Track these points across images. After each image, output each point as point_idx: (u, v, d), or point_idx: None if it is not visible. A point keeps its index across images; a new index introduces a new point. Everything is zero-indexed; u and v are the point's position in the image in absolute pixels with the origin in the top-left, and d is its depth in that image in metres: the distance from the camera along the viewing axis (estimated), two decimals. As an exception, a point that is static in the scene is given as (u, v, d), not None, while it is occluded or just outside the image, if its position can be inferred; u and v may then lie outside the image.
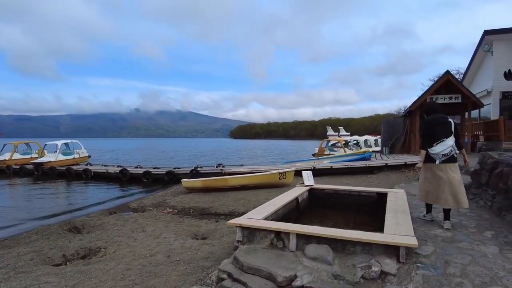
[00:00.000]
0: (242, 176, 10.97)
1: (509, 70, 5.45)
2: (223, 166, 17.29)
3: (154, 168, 18.57)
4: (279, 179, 10.85)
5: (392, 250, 3.43)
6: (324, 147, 24.19)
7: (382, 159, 14.94)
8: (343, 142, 23.96)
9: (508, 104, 20.08)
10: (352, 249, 3.66)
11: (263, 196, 9.64)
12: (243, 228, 4.26)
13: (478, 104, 13.83)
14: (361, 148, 25.13)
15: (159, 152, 54.25)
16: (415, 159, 12.60)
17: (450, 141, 4.42)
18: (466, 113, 14.68)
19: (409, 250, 3.49)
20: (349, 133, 31.00)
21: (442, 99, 14.11)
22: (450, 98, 14.04)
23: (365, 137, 27.96)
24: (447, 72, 13.81)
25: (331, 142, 24.83)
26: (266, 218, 4.75)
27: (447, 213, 4.57)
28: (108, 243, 5.99)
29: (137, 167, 18.99)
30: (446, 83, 14.05)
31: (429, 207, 5.05)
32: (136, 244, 5.83)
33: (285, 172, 10.86)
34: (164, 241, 5.89)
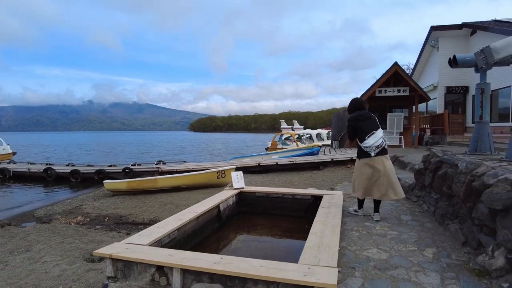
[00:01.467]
0: (174, 176, 9.72)
1: (454, 56, 4.77)
2: (164, 163, 15.86)
3: (88, 165, 16.66)
4: (218, 178, 9.75)
5: (303, 292, 2.47)
6: (277, 141, 23.47)
7: (330, 153, 14.39)
8: (296, 136, 23.41)
9: (452, 98, 20.59)
10: (252, 291, 2.65)
11: (195, 198, 8.51)
12: (115, 260, 3.09)
13: (425, 98, 13.67)
14: (313, 141, 24.78)
15: (108, 147, 50.88)
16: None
17: (380, 132, 4.50)
18: (414, 107, 14.50)
19: None
20: (302, 126, 30.65)
21: (390, 91, 13.78)
22: (398, 90, 13.74)
23: (318, 130, 27.70)
24: (395, 64, 13.47)
25: (284, 136, 24.19)
26: (160, 241, 3.62)
27: (377, 204, 4.64)
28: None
29: (68, 165, 16.94)
30: (394, 75, 13.71)
31: (361, 202, 4.90)
32: (2, 274, 4.43)
33: (223, 170, 9.77)
34: (40, 267, 4.55)
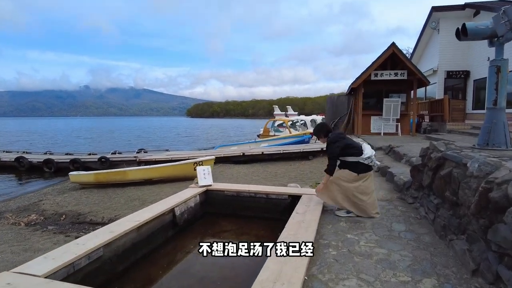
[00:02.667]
0: (145, 168, 8.80)
1: (463, 24, 3.77)
2: (145, 152, 14.94)
3: (67, 154, 15.71)
4: (195, 170, 8.81)
5: None
6: (269, 128, 22.47)
7: (323, 142, 13.50)
8: (289, 123, 22.41)
9: (452, 83, 19.59)
10: None
11: (167, 193, 7.61)
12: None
13: (424, 82, 12.68)
14: (307, 128, 23.82)
15: (100, 133, 49.79)
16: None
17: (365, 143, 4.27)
18: (412, 92, 13.53)
19: None
20: (296, 112, 29.57)
21: (387, 75, 12.75)
22: (396, 74, 12.72)
23: (312, 116, 26.63)
24: (393, 44, 12.40)
25: (277, 123, 23.15)
26: (69, 267, 2.72)
27: None
28: None
29: (46, 153, 15.97)
30: (391, 57, 12.67)
31: None
32: None
33: (201, 161, 8.85)
34: None
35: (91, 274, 3.00)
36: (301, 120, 25.54)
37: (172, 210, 4.37)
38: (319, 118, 25.85)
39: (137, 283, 3.35)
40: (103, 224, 6.26)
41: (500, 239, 2.20)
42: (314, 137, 15.51)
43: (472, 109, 17.45)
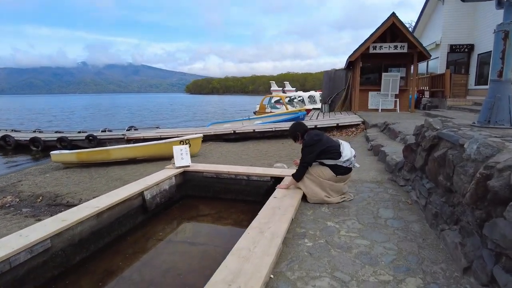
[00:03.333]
0: (129, 147, 8.41)
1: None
2: (135, 129, 14.54)
3: (57, 132, 15.31)
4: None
5: None
6: (266, 104, 21.93)
7: (317, 118, 13.02)
8: (286, 99, 21.84)
9: (455, 58, 18.84)
10: None
11: (151, 172, 7.27)
12: None
13: (425, 55, 12.06)
14: (305, 105, 23.27)
15: (96, 111, 49.21)
16: (350, 119, 10.76)
17: (345, 142, 3.90)
18: (412, 66, 12.94)
19: None
20: (294, 88, 28.80)
21: (386, 47, 12.12)
22: (395, 46, 12.08)
23: (310, 92, 26.00)
24: (393, 14, 11.68)
25: (274, 99, 22.58)
26: (5, 262, 2.38)
27: None
28: None
29: (35, 131, 15.58)
30: (391, 29, 11.99)
31: None
32: None
33: (188, 139, 8.46)
34: None
35: (37, 269, 2.68)
36: (299, 97, 24.94)
37: (141, 194, 4.01)
38: (317, 95, 25.24)
39: (94, 276, 3.03)
40: (80, 206, 5.99)
41: (498, 237, 1.82)
42: (310, 114, 15.02)
43: (475, 85, 16.84)
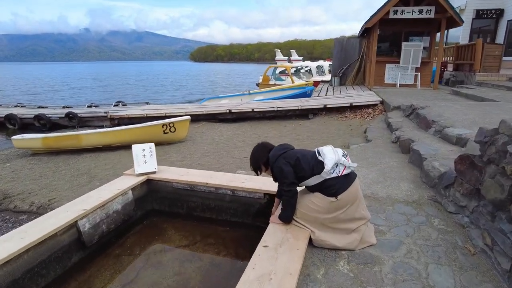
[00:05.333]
0: (101, 132, 7.10)
1: None
2: (123, 104, 13.19)
3: (40, 107, 14.02)
4: (164, 133, 7.15)
5: None
6: (270, 76, 20.25)
7: (326, 95, 11.52)
8: (292, 69, 20.10)
9: (480, 25, 16.83)
10: None
11: (126, 165, 6.07)
12: None
13: (455, 21, 10.26)
14: (312, 76, 21.56)
15: (94, 80, 47.62)
16: (366, 97, 9.26)
17: (327, 146, 2.52)
18: (439, 34, 11.19)
19: None
20: (301, 57, 26.66)
21: (409, 12, 10.33)
22: (421, 11, 10.29)
23: (318, 62, 24.09)
24: (420, -29, 9.82)
25: (278, 69, 20.81)
26: None
27: None
28: None
29: (17, 106, 14.32)
30: (416, -11, 10.15)
31: None
32: None
33: (172, 123, 7.12)
34: None
35: None
36: (306, 67, 23.17)
37: (74, 225, 2.76)
38: (326, 65, 23.41)
39: None
40: (30, 213, 4.83)
41: None
42: (318, 88, 13.49)
43: (503, 55, 15.02)
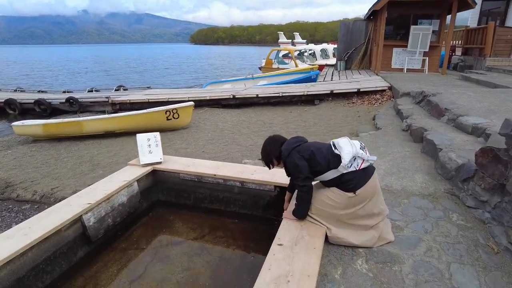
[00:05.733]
0: (104, 119, 6.95)
1: None
2: (125, 89, 12.98)
3: (40, 91, 13.83)
4: (168, 119, 7.00)
5: None
6: (273, 59, 19.85)
7: (332, 79, 11.28)
8: (296, 53, 19.68)
9: (490, 7, 16.32)
10: None
11: (129, 153, 5.96)
12: None
13: (468, 3, 9.90)
14: (316, 59, 21.17)
15: (98, 64, 47.09)
16: (374, 82, 9.04)
17: (343, 138, 2.35)
18: (449, 17, 10.84)
19: None
20: (305, 40, 26.06)
21: (419, -7, 9.97)
22: (430, -8, 9.93)
23: (322, 45, 23.62)
24: (432, -50, 9.41)
25: (282, 53, 20.38)
26: None
27: None
28: None
29: (16, 90, 14.12)
30: (427, -31, 9.77)
31: None
32: None
33: (176, 109, 6.96)
34: None
35: None
36: (310, 50, 22.71)
37: (79, 219, 2.67)
38: (330, 48, 22.97)
39: None
40: (33, 202, 4.76)
41: None
42: (323, 72, 13.20)
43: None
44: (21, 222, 4.34)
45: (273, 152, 2.42)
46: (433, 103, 5.39)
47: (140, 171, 3.40)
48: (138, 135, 3.53)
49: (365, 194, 2.26)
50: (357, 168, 2.23)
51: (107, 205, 2.91)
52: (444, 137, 4.00)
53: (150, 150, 3.53)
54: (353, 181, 2.23)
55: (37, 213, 4.52)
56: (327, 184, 2.35)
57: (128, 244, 3.07)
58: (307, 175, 2.27)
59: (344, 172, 2.23)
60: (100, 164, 5.66)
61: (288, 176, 2.50)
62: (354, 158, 2.23)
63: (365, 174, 2.28)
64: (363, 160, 2.26)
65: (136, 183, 3.28)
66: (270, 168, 2.54)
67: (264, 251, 2.96)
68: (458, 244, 2.37)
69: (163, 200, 3.68)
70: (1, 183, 5.25)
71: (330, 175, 2.27)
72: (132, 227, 3.27)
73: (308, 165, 2.26)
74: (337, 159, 2.24)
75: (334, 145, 2.31)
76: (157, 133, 3.60)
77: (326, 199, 2.31)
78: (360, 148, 2.28)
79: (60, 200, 4.76)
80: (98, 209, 2.81)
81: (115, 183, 3.10)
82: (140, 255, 2.93)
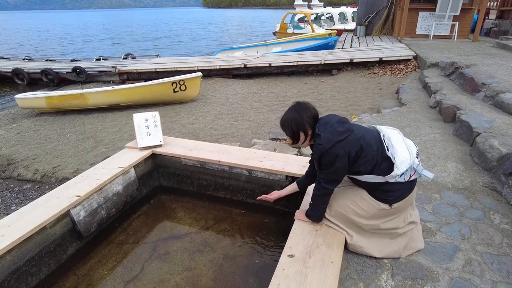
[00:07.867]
0: (108, 91, 6.58)
1: None
2: (133, 57, 12.52)
3: (47, 60, 13.50)
4: (174, 91, 6.61)
5: None
6: (288, 23, 18.82)
7: (351, 47, 10.48)
8: (312, 16, 18.53)
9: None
10: None
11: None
12: None
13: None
14: (334, 24, 19.97)
15: (108, 30, 46.24)
16: (397, 51, 8.30)
17: (395, 131, 1.89)
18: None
19: None
20: (322, 3, 24.44)
21: None
22: None
23: (341, 9, 22.14)
24: None
25: (297, 16, 19.22)
26: None
27: None
28: None
29: (24, 59, 13.83)
30: None
31: None
32: None
33: (183, 80, 6.54)
34: None
35: None
36: (327, 13, 21.38)
37: (66, 215, 2.39)
38: (349, 11, 21.55)
39: None
40: (34, 181, 4.56)
41: None
42: (342, 38, 12.33)
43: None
44: (21, 203, 4.21)
45: (303, 124, 1.84)
46: (466, 76, 4.79)
47: (137, 156, 3.08)
48: (135, 115, 3.17)
49: (400, 207, 1.87)
50: (406, 180, 1.80)
51: (99, 196, 2.62)
52: (482, 118, 3.50)
53: (148, 131, 3.19)
54: (395, 193, 1.81)
55: (37, 194, 4.40)
56: (360, 184, 1.94)
57: (125, 237, 2.82)
58: (337, 179, 1.86)
59: (390, 181, 1.80)
60: (103, 140, 5.39)
61: (314, 161, 2.03)
62: (407, 169, 1.77)
63: (410, 186, 1.85)
64: (415, 171, 1.83)
65: (133, 170, 2.97)
66: (293, 143, 2.06)
67: (273, 248, 2.68)
68: (504, 256, 1.99)
69: (164, 185, 3.39)
70: (3, 160, 5.07)
71: (369, 178, 1.83)
72: (131, 217, 3.01)
73: (348, 163, 1.79)
74: (387, 164, 1.78)
75: (384, 139, 1.85)
76: (156, 113, 3.24)
77: (352, 204, 1.92)
78: (416, 155, 1.83)
79: (60, 181, 4.59)
80: (89, 201, 2.53)
81: (109, 171, 2.80)
82: (137, 251, 2.68)
